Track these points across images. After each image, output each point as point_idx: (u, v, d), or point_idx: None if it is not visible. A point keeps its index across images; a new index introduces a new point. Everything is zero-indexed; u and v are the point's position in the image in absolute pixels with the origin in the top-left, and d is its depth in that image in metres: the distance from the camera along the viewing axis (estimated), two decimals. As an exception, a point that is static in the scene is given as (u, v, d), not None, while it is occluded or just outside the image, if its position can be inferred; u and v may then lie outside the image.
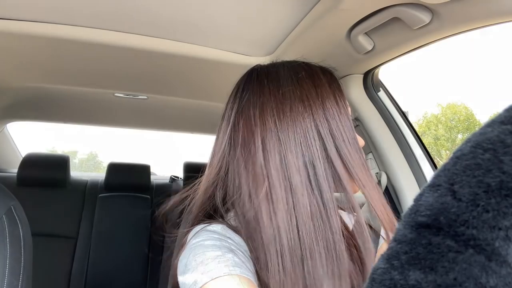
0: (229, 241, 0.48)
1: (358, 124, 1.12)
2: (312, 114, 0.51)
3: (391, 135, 1.07)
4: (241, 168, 0.51)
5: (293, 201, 0.48)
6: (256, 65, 0.60)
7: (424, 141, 1.09)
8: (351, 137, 0.52)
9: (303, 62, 0.58)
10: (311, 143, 0.49)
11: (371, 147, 1.11)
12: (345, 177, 0.50)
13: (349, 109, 0.56)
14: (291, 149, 0.49)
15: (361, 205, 0.85)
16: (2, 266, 0.65)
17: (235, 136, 0.53)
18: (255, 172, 0.49)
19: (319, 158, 0.49)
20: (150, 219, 1.81)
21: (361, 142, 0.57)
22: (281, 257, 0.46)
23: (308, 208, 0.47)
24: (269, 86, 0.53)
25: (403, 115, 1.10)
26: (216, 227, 0.50)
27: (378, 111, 1.08)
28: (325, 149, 0.50)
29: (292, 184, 0.48)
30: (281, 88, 0.52)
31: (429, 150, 1.12)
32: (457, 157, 0.19)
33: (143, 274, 1.71)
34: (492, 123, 0.19)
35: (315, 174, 0.49)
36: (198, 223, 0.53)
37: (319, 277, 0.46)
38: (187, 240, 0.51)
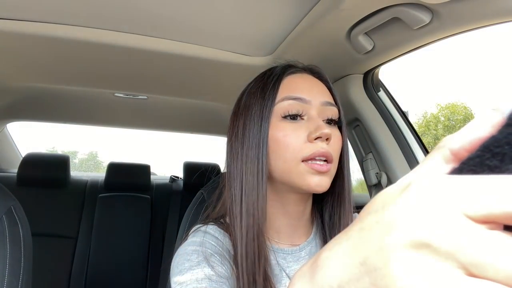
0: (213, 242, 0.53)
1: (358, 124, 1.12)
2: (244, 120, 0.56)
3: (391, 135, 1.07)
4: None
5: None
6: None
7: (424, 141, 1.09)
8: (252, 145, 0.54)
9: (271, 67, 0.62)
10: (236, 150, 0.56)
11: (371, 147, 1.11)
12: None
13: (275, 109, 0.55)
14: (227, 165, 0.57)
15: (362, 205, 0.85)
16: (2, 266, 0.65)
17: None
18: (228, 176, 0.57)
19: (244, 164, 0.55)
20: (150, 219, 1.81)
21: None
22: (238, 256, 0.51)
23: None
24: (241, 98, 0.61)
25: (403, 115, 1.10)
26: (209, 227, 0.56)
27: (378, 111, 1.08)
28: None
29: (243, 190, 0.54)
30: (242, 99, 0.59)
31: (429, 150, 1.12)
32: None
33: (143, 274, 1.71)
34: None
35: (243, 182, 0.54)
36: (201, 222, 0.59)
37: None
38: (188, 237, 0.56)
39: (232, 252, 0.53)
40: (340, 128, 0.58)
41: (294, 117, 0.54)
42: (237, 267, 0.50)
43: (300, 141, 0.52)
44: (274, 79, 0.56)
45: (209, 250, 0.51)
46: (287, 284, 0.53)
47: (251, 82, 0.61)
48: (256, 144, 0.53)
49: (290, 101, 0.54)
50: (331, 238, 0.52)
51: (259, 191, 0.52)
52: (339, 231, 0.52)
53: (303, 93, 0.55)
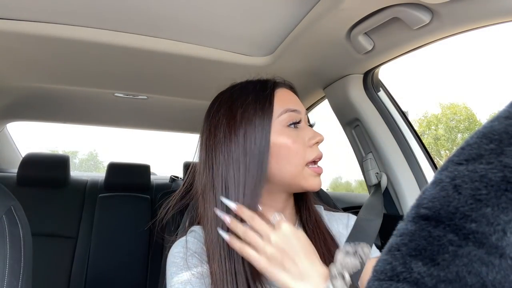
0: (197, 241, 0.60)
1: (358, 124, 1.12)
2: (230, 137, 0.59)
3: (391, 135, 1.07)
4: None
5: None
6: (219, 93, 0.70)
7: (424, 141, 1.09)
8: (252, 157, 0.57)
9: (247, 81, 0.67)
10: (222, 165, 0.59)
11: (371, 147, 1.11)
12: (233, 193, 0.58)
13: (278, 120, 0.60)
14: (215, 171, 0.59)
15: (361, 205, 0.86)
16: (2, 266, 0.65)
17: (200, 153, 0.65)
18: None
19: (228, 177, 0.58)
20: (150, 219, 1.81)
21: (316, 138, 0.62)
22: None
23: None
24: (211, 114, 0.64)
25: (403, 115, 1.10)
26: (196, 227, 0.65)
27: (378, 111, 1.08)
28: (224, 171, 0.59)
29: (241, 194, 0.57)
30: (217, 114, 0.63)
31: (429, 150, 1.12)
32: (462, 148, 0.19)
33: (143, 274, 1.71)
34: (497, 118, 0.19)
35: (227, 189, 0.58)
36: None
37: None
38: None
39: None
40: None
41: (295, 124, 0.61)
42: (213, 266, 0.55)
43: (303, 146, 0.59)
44: (268, 92, 0.61)
45: (191, 250, 0.59)
46: None
47: (233, 91, 0.66)
48: (258, 152, 0.57)
49: (291, 113, 0.60)
50: (309, 229, 0.62)
51: (257, 194, 0.56)
52: (313, 222, 0.64)
53: (296, 105, 0.62)
